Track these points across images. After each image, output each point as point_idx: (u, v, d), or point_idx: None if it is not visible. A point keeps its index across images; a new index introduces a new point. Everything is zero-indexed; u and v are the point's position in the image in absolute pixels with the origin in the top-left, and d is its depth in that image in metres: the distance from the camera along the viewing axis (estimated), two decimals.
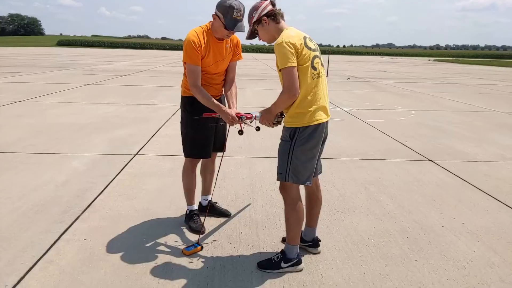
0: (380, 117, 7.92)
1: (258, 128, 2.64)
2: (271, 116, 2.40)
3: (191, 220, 2.96)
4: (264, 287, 2.26)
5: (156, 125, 6.41)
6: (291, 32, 2.28)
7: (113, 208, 3.26)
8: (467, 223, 3.15)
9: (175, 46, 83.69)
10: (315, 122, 2.32)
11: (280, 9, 2.40)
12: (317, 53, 2.36)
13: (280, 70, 2.23)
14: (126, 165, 4.37)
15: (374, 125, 6.98)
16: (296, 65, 2.20)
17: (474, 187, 3.99)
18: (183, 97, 2.90)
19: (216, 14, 2.61)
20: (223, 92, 2.97)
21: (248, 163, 4.59)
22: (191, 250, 2.61)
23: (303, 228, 2.58)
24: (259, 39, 2.47)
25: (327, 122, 2.44)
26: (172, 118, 7.06)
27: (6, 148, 4.86)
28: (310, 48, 2.29)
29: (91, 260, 2.48)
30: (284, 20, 2.41)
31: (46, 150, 4.83)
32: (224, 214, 3.15)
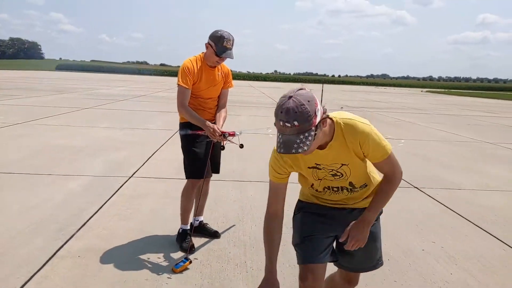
0: None
1: (241, 146, 2.94)
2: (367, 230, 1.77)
3: (182, 239, 3.09)
4: None
5: (151, 149, 6.57)
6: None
7: (107, 227, 3.38)
8: (446, 247, 3.29)
9: (173, 72, 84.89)
10: None
11: None
12: None
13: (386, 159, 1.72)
14: (121, 186, 4.51)
15: None
16: None
17: (456, 213, 4.15)
18: (180, 123, 3.12)
19: (208, 43, 2.93)
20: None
21: (240, 187, 4.74)
22: (181, 267, 2.72)
23: None
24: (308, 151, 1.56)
25: None
26: (167, 143, 7.23)
27: (5, 169, 4.98)
28: None
29: (84, 276, 2.59)
30: None
31: (44, 171, 4.96)
32: (213, 235, 3.28)
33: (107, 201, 4.01)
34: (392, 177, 1.75)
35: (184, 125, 3.08)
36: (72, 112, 11.24)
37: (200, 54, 3.07)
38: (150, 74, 79.38)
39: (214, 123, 3.08)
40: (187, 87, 2.93)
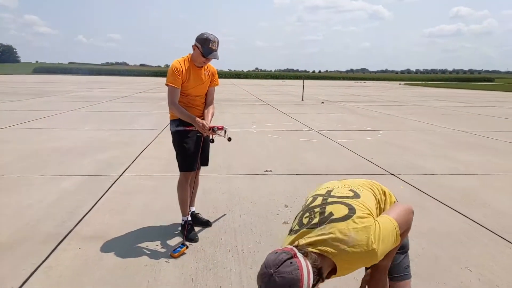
0: (350, 137, 8.46)
1: (229, 139, 3.22)
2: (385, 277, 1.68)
3: (187, 230, 3.26)
4: (241, 281, 2.62)
5: (138, 148, 6.73)
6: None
7: (103, 221, 3.57)
8: (419, 225, 3.59)
9: (153, 72, 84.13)
10: None
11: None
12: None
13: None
14: (112, 184, 4.68)
15: (344, 145, 7.50)
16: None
17: (428, 195, 4.48)
18: (171, 120, 3.33)
19: (195, 45, 3.17)
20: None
21: (227, 180, 4.97)
22: (178, 252, 2.95)
23: None
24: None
25: None
26: (154, 142, 7.40)
27: None
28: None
29: (86, 265, 2.79)
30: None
31: (35, 173, 5.09)
32: (205, 223, 3.51)
33: (100, 198, 4.19)
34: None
35: (175, 122, 3.29)
36: (55, 115, 11.25)
37: (188, 55, 3.29)
38: (130, 75, 78.58)
39: (203, 119, 3.31)
40: (176, 86, 3.15)
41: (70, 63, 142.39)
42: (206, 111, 3.40)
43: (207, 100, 3.44)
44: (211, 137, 3.23)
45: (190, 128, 3.19)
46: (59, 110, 12.62)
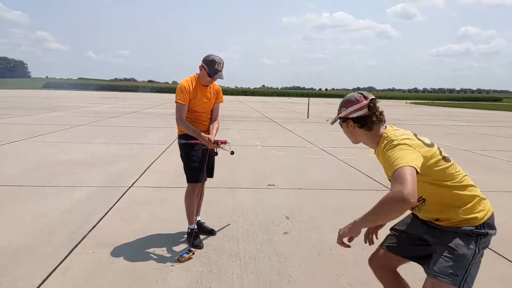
0: (353, 154, 8.66)
1: (232, 152, 3.45)
2: (357, 231, 1.89)
3: (193, 237, 3.47)
4: (242, 284, 2.81)
5: (147, 162, 6.98)
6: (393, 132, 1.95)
7: (114, 229, 3.79)
8: None
9: (162, 89, 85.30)
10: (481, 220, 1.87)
11: (379, 113, 2.03)
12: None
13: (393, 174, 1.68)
14: (122, 195, 4.92)
15: (346, 161, 7.70)
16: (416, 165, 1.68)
17: None
18: (179, 136, 3.58)
19: (202, 66, 3.45)
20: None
21: (231, 192, 5.18)
22: (185, 257, 3.16)
23: None
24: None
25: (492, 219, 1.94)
26: (162, 156, 7.65)
27: (10, 182, 5.36)
28: (427, 144, 1.90)
29: (100, 268, 3.00)
30: (383, 123, 2.06)
31: (48, 183, 5.35)
32: (210, 232, 3.72)
33: (111, 208, 4.41)
34: (389, 191, 1.65)
35: (182, 136, 3.54)
36: (67, 130, 11.59)
37: (195, 75, 3.57)
38: (138, 91, 79.71)
39: (208, 133, 3.55)
40: (184, 103, 3.41)
41: (79, 78, 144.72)
42: (211, 126, 3.65)
43: (212, 116, 3.70)
44: (215, 150, 3.47)
45: (196, 141, 3.43)
46: (69, 124, 12.98)
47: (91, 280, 2.81)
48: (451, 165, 1.91)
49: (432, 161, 1.84)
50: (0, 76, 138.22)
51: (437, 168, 1.86)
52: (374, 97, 2.04)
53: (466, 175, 1.97)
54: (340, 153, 8.65)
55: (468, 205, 1.87)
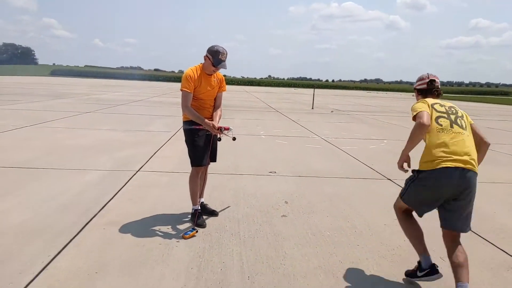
0: (354, 145, 8.85)
1: (234, 138, 3.70)
2: (405, 155, 2.86)
3: (196, 217, 3.72)
4: (241, 259, 3.05)
5: (154, 148, 7.22)
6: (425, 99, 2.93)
7: (124, 208, 4.04)
8: None
9: (167, 78, 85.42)
10: (431, 167, 2.63)
11: (436, 89, 3.00)
12: (445, 114, 2.77)
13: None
14: (130, 178, 5.16)
15: (347, 152, 7.89)
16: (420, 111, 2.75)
17: None
18: (184, 122, 3.80)
19: (206, 55, 3.66)
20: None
21: (234, 179, 5.41)
22: (189, 234, 3.40)
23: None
24: None
25: (456, 169, 2.58)
26: (168, 143, 7.89)
27: (25, 164, 5.63)
28: (437, 110, 2.78)
29: (111, 242, 3.25)
30: (435, 96, 2.98)
31: (61, 166, 5.61)
32: (213, 213, 3.96)
33: (119, 190, 4.66)
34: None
35: (187, 122, 3.76)
36: (74, 116, 11.87)
37: (200, 64, 3.78)
38: (145, 79, 79.94)
39: (211, 120, 3.78)
40: (189, 91, 3.63)
41: (86, 66, 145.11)
42: (214, 113, 3.86)
43: (216, 104, 3.91)
44: (218, 136, 3.69)
45: (200, 127, 3.65)
46: (77, 111, 13.26)
47: (103, 253, 3.06)
48: (442, 129, 2.71)
49: (432, 118, 2.75)
50: (8, 62, 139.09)
51: (431, 126, 2.73)
52: (434, 78, 3.01)
53: (456, 142, 2.67)
54: (342, 144, 8.84)
55: (424, 157, 2.73)
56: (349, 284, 2.76)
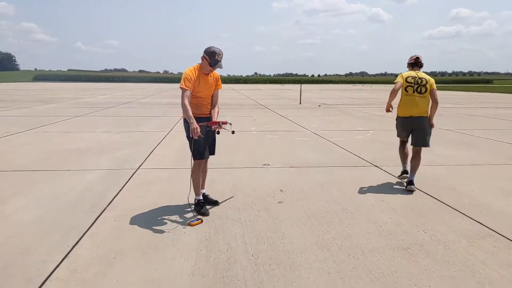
0: (342, 136, 9.22)
1: (233, 132, 4.02)
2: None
3: (200, 206, 4.03)
4: (244, 240, 3.35)
5: (150, 147, 7.47)
6: (405, 73, 5.10)
7: (129, 203, 4.31)
8: (391, 202, 4.34)
9: (153, 78, 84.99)
10: (400, 115, 5.17)
11: (419, 63, 5.14)
12: (412, 84, 4.96)
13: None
14: (131, 176, 5.42)
15: (335, 143, 8.25)
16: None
17: (404, 182, 5.22)
18: (184, 119, 4.08)
19: (204, 56, 3.96)
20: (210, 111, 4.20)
21: (231, 172, 5.71)
22: (195, 222, 3.70)
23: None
24: None
25: (411, 117, 5.03)
26: (163, 142, 8.14)
27: (28, 167, 5.83)
28: (407, 81, 4.99)
29: (122, 232, 3.53)
30: (419, 67, 5.14)
31: (61, 168, 5.83)
32: (214, 202, 4.26)
33: (123, 186, 4.92)
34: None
35: (186, 120, 4.05)
36: (66, 120, 12.01)
37: (197, 64, 4.07)
38: (130, 81, 79.44)
39: (210, 116, 4.07)
40: (188, 89, 3.91)
41: (69, 70, 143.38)
42: (213, 110, 4.17)
43: (213, 101, 4.22)
44: (217, 130, 3.98)
45: (200, 124, 3.95)
46: (68, 115, 13.39)
47: (117, 241, 3.33)
48: (407, 94, 5.05)
49: (403, 87, 5.07)
50: None
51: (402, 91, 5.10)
52: (419, 56, 5.15)
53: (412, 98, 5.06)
54: (330, 136, 9.20)
55: (398, 109, 5.20)
56: (342, 256, 3.09)
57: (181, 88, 3.94)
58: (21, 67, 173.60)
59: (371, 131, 10.10)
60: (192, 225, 3.66)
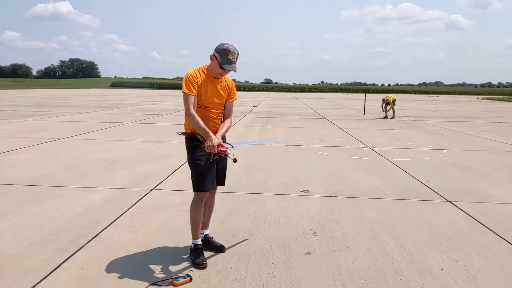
0: (407, 156, 7.74)
1: (235, 160, 2.87)
2: None
3: (196, 254, 3.02)
4: None
5: (179, 162, 6.64)
6: None
7: (116, 239, 3.41)
8: (470, 266, 2.99)
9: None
10: None
11: None
12: None
13: None
14: (140, 199, 4.58)
15: (398, 164, 6.83)
16: None
17: (489, 229, 3.78)
18: (186, 137, 3.11)
19: (213, 54, 2.97)
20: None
21: (258, 199, 4.64)
22: (180, 281, 2.68)
23: None
24: None
25: None
26: None
27: (37, 182, 5.24)
28: None
29: None
30: None
31: (71, 184, 5.16)
32: (218, 249, 3.21)
33: (123, 213, 4.07)
34: None
35: (189, 137, 3.09)
36: (114, 127, 11.73)
37: (204, 65, 3.09)
38: None
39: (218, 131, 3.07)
40: (191, 94, 2.95)
41: (144, 77, 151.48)
42: (222, 124, 3.15)
43: (224, 114, 3.20)
44: (221, 154, 2.92)
45: (188, 133, 2.98)
46: (120, 122, 13.19)
47: None
48: None
49: None
50: (74, 76, 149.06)
51: None
52: None
53: None
54: (392, 155, 7.76)
55: None
56: None
57: (183, 93, 2.98)
58: (102, 75, 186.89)
59: (444, 151, 8.46)
60: (175, 285, 2.65)
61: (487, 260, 3.13)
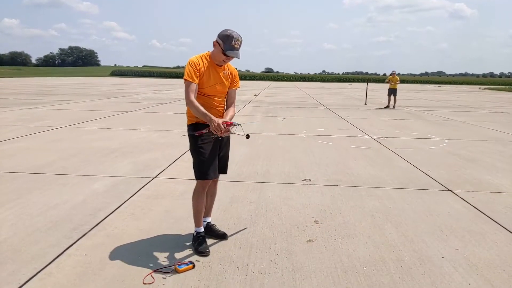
0: (409, 146, 7.74)
1: (248, 136, 2.86)
2: None
3: (198, 242, 3.04)
4: None
5: (182, 150, 6.64)
6: None
7: (119, 227, 3.43)
8: (470, 254, 3.01)
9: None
10: None
11: None
12: None
13: None
14: (142, 187, 4.59)
15: (400, 154, 6.83)
16: None
17: (489, 218, 3.80)
18: (188, 125, 3.10)
19: (217, 41, 2.94)
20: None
21: (260, 188, 4.65)
22: (183, 268, 2.70)
23: None
24: None
25: None
26: None
27: (39, 170, 5.25)
28: None
29: (86, 274, 2.64)
30: None
31: (74, 172, 5.17)
32: (221, 236, 3.23)
33: (125, 201, 4.09)
34: None
35: (191, 127, 3.07)
36: (114, 116, 11.71)
37: (207, 52, 3.06)
38: None
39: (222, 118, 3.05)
40: (192, 81, 2.92)
41: (144, 66, 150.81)
42: (225, 113, 3.12)
43: (227, 103, 3.18)
44: (223, 136, 2.91)
45: (203, 131, 2.92)
46: (120, 110, 13.17)
47: None
48: None
49: None
50: (73, 64, 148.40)
51: None
52: None
53: None
54: (394, 144, 7.76)
55: None
56: None
57: (185, 80, 2.95)
58: (102, 63, 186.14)
59: (446, 140, 8.45)
60: (178, 271, 2.67)
61: (487, 248, 3.15)
